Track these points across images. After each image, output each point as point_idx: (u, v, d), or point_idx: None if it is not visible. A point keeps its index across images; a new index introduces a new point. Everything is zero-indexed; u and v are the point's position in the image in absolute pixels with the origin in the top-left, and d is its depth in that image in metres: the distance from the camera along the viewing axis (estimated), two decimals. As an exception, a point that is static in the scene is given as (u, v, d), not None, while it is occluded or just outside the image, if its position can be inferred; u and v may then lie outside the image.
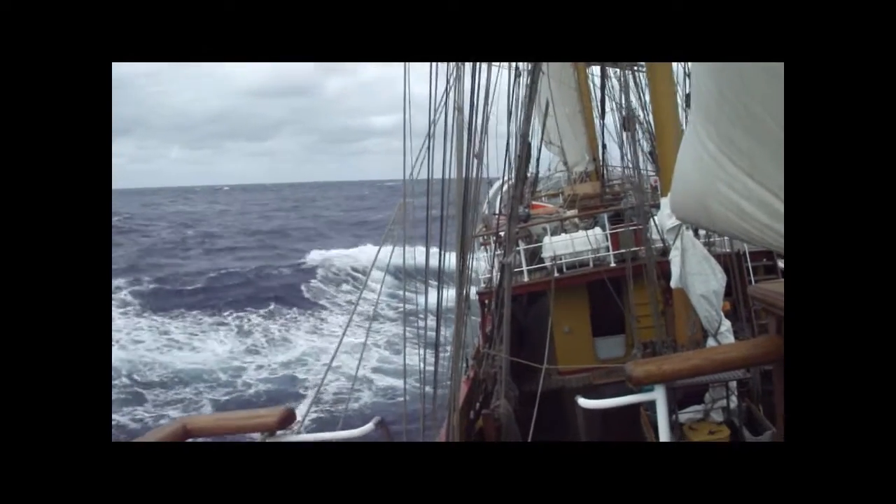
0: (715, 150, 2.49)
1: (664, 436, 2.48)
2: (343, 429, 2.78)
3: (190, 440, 2.54)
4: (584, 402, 2.75)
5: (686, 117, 7.44)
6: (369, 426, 2.79)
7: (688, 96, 7.43)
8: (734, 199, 2.28)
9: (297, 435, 2.75)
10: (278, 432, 2.62)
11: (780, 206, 1.95)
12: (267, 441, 2.59)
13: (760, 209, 2.14)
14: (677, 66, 7.11)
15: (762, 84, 1.83)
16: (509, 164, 8.45)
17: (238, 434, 2.66)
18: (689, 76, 7.49)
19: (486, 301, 10.03)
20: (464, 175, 5.65)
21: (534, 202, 12.86)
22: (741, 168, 2.22)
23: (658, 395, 2.44)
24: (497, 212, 11.84)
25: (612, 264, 9.54)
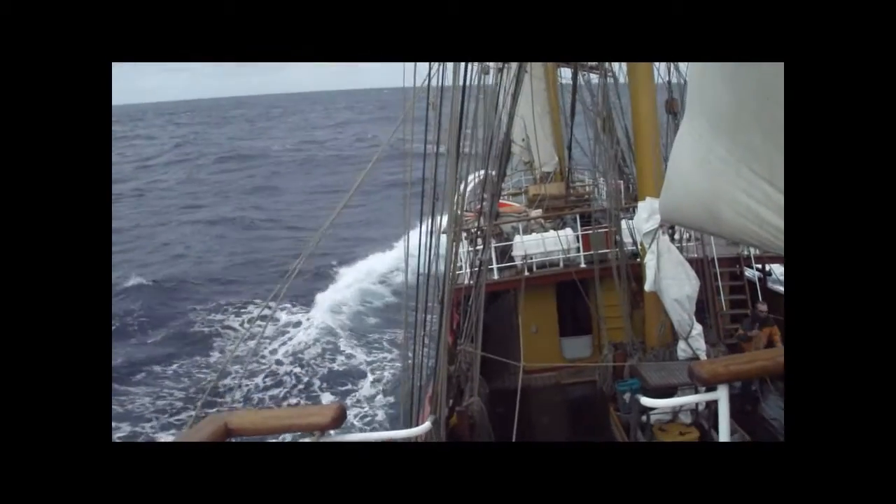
0: (727, 155, 2.48)
1: (724, 436, 2.45)
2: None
3: (232, 440, 2.28)
4: (646, 400, 2.74)
5: (668, 122, 7.58)
6: (426, 425, 2.80)
7: (667, 102, 7.53)
8: (752, 206, 2.27)
9: (352, 434, 2.66)
10: (331, 432, 2.39)
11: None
12: (320, 441, 2.37)
13: (780, 215, 2.15)
14: (657, 72, 7.20)
15: (782, 88, 1.85)
16: (484, 160, 8.45)
17: (286, 434, 2.41)
18: (669, 83, 7.60)
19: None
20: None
21: (500, 200, 12.89)
22: (760, 175, 2.22)
23: (721, 395, 2.42)
24: (468, 208, 11.81)
25: (582, 265, 9.63)
